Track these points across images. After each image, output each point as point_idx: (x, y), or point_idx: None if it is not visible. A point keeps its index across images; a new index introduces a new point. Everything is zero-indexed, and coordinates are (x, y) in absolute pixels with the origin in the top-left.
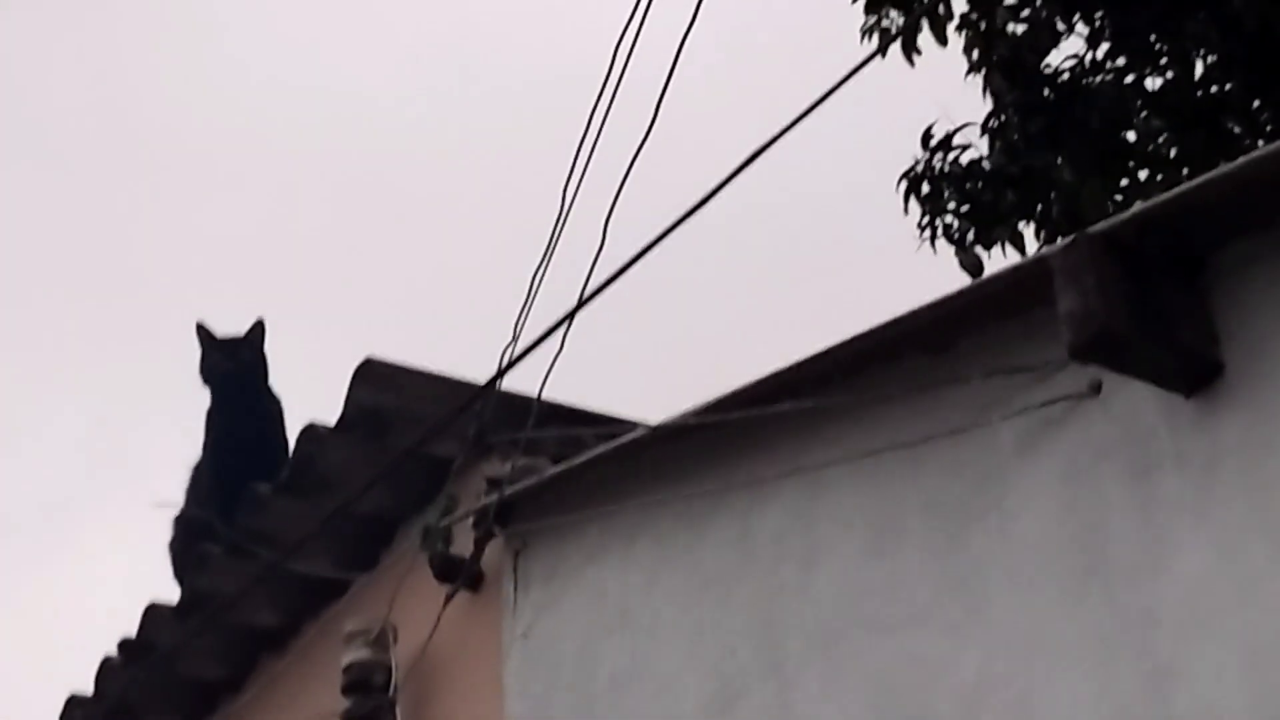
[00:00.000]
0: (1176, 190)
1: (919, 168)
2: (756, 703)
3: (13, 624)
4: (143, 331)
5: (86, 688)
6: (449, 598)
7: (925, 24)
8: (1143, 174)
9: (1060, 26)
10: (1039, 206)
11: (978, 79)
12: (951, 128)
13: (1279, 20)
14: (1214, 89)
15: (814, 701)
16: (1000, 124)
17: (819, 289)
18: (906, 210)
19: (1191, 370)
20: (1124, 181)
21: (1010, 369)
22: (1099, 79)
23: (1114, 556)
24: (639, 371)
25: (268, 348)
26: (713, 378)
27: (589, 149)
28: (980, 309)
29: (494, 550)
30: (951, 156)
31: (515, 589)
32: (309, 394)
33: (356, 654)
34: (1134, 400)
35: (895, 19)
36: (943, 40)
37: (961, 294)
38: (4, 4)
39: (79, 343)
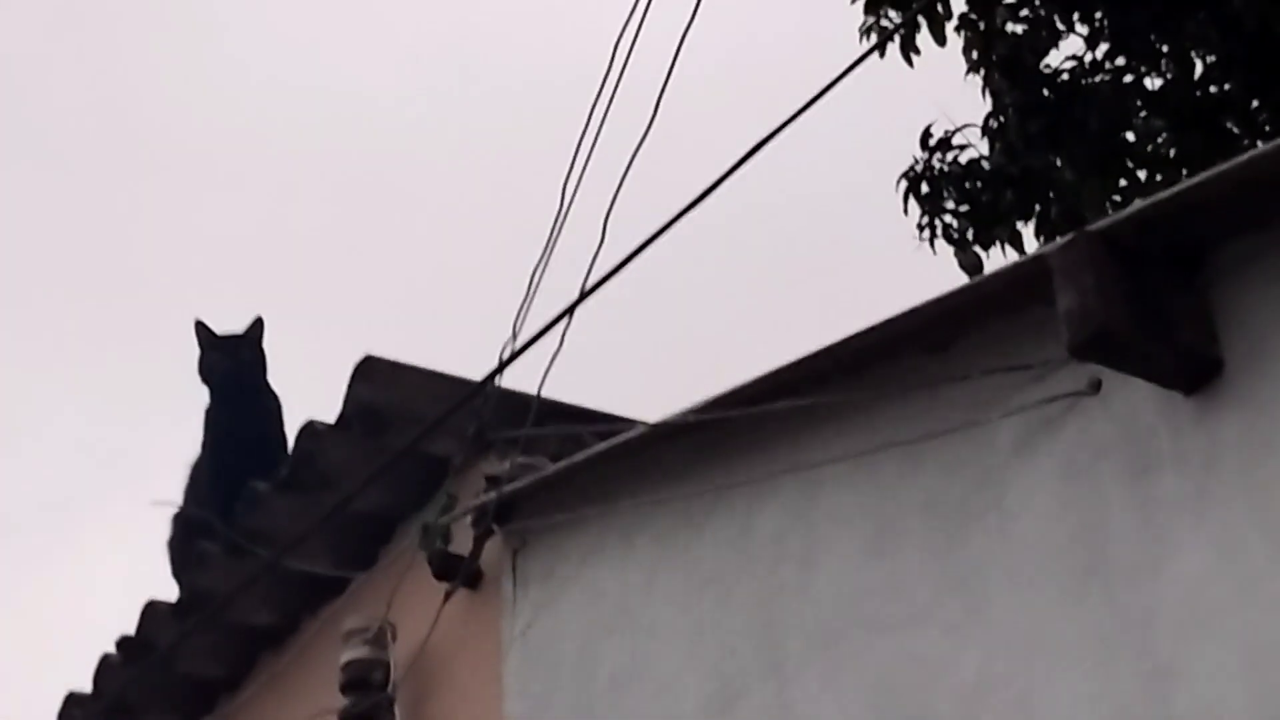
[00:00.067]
0: (1175, 189)
1: (918, 168)
2: (756, 702)
3: (12, 623)
4: (143, 331)
5: (85, 686)
6: (448, 596)
7: (924, 24)
8: (1142, 174)
9: (1060, 26)
10: (1038, 207)
11: (977, 79)
12: (951, 128)
13: (1278, 21)
14: (1213, 89)
15: (814, 701)
16: (1000, 124)
17: (818, 288)
18: (906, 210)
19: (1191, 368)
20: (1123, 182)
21: (1009, 367)
22: (1098, 79)
23: (1113, 555)
24: (638, 370)
25: (266, 345)
26: (712, 376)
27: (588, 147)
28: (979, 307)
29: (493, 548)
30: (951, 156)
31: (514, 587)
32: (308, 392)
33: (355, 652)
34: (1133, 399)
35: (894, 19)
36: (941, 40)
37: (960, 292)
38: (4, 4)
39: (79, 343)
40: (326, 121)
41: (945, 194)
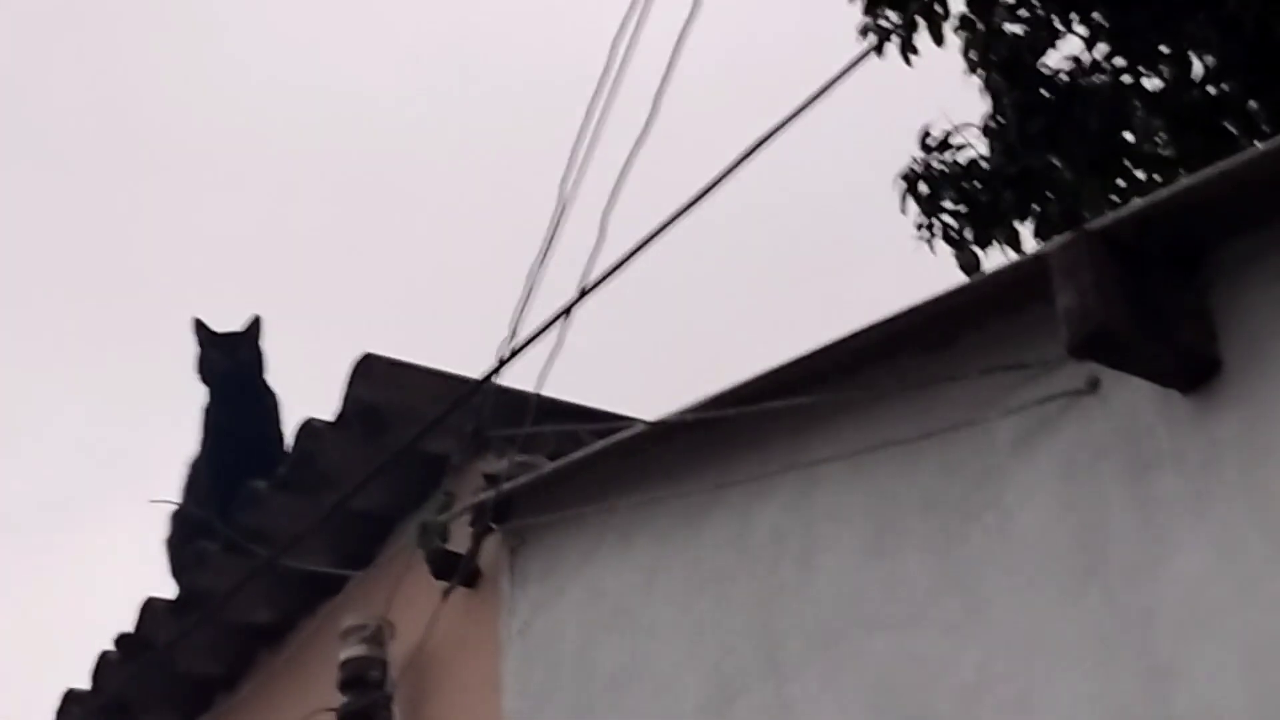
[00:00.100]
0: (1175, 187)
1: (917, 168)
2: (755, 701)
3: (11, 621)
4: (143, 332)
5: (84, 683)
6: (446, 594)
7: (922, 24)
8: (1141, 175)
9: (1058, 27)
10: (1037, 207)
11: (976, 79)
12: (949, 128)
13: (1277, 22)
14: (1212, 90)
15: (812, 700)
16: (998, 124)
17: (818, 288)
18: (904, 210)
19: (1189, 367)
20: (1122, 182)
21: (1008, 366)
22: (1097, 79)
23: (1112, 554)
24: (637, 368)
25: (265, 344)
26: (710, 375)
27: (587, 146)
28: (978, 306)
29: (491, 547)
30: (949, 156)
31: (512, 586)
32: (306, 390)
33: (353, 650)
34: (1132, 397)
35: (893, 19)
36: (939, 40)
37: (959, 291)
38: (4, 4)
39: (79, 343)
40: (326, 121)
41: (944, 194)
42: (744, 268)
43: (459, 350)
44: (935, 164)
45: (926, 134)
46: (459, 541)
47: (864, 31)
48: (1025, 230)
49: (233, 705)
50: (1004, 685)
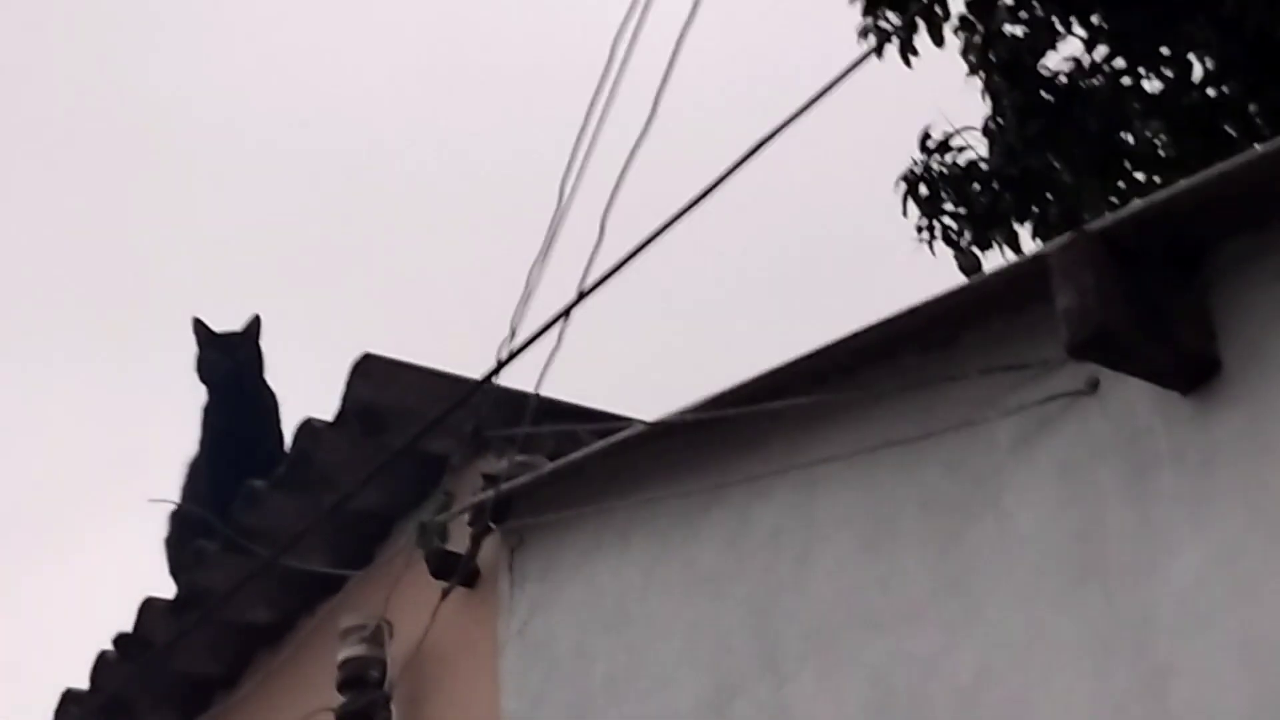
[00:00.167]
0: (1174, 189)
1: (917, 169)
2: (752, 700)
3: (10, 620)
4: (142, 331)
5: (83, 683)
6: (445, 594)
7: (922, 25)
8: (1140, 176)
9: (1058, 28)
10: (1036, 209)
11: (976, 80)
12: (949, 130)
13: (1277, 24)
14: (1212, 92)
15: (810, 699)
16: (999, 126)
17: (817, 289)
18: (905, 212)
19: (1189, 368)
20: (1122, 184)
21: (1007, 366)
22: (1097, 81)
23: (1111, 554)
24: (636, 369)
25: (264, 343)
26: (710, 375)
27: (587, 146)
28: (977, 306)
29: (490, 546)
30: (950, 158)
31: (511, 585)
32: (306, 390)
33: (352, 650)
34: (1131, 398)
35: (893, 20)
36: (939, 42)
37: (958, 291)
38: (4, 4)
39: (78, 342)
40: (326, 120)
41: (944, 196)
42: (744, 269)
43: (458, 350)
44: (935, 166)
45: (927, 136)
46: (458, 541)
47: (864, 33)
48: (1025, 232)
49: (231, 705)
50: (1002, 685)
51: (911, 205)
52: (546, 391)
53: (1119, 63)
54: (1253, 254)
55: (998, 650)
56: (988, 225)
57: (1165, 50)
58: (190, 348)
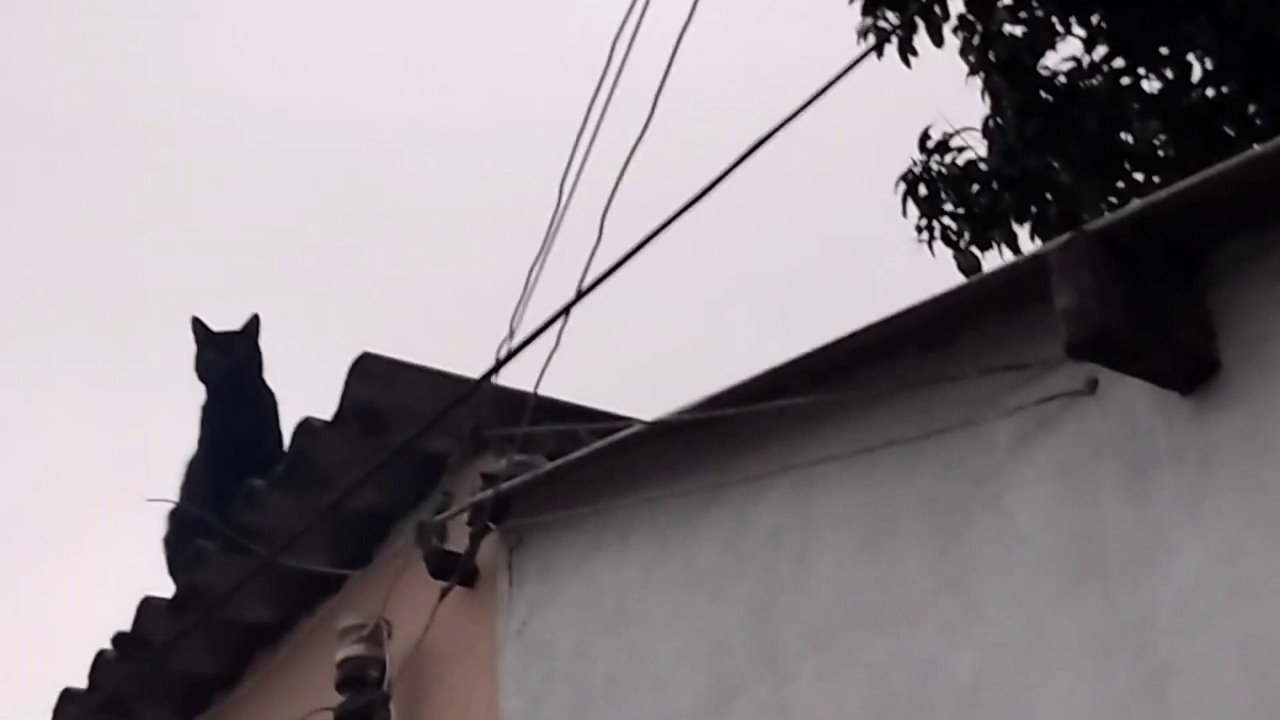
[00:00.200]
0: (1174, 188)
1: (916, 170)
2: (752, 700)
3: (8, 619)
4: (141, 330)
5: (81, 682)
6: (444, 594)
7: (922, 25)
8: (1139, 176)
9: (1058, 28)
10: (1036, 209)
11: (976, 81)
12: (949, 130)
13: (1277, 24)
14: (1211, 92)
15: (809, 699)
16: (998, 126)
17: (817, 289)
18: (905, 212)
19: (1188, 368)
20: (1121, 184)
21: (1006, 366)
22: (1096, 81)
23: (1110, 555)
24: (635, 368)
25: (263, 343)
26: (708, 375)
27: (586, 145)
28: (976, 306)
29: (489, 546)
30: (949, 158)
31: (510, 585)
32: (305, 389)
33: (351, 649)
34: (1130, 398)
35: (892, 20)
36: (938, 41)
37: (957, 291)
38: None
39: (77, 341)
40: (324, 119)
41: (943, 196)
42: (744, 269)
43: (457, 349)
44: (935, 166)
45: (926, 136)
46: (457, 541)
47: (864, 33)
48: (1024, 232)
49: (230, 704)
50: (1001, 685)
51: (911, 205)
52: (545, 391)
53: (1118, 63)
54: (1252, 254)
55: (997, 650)
56: (987, 225)
57: (1164, 50)
58: (189, 347)
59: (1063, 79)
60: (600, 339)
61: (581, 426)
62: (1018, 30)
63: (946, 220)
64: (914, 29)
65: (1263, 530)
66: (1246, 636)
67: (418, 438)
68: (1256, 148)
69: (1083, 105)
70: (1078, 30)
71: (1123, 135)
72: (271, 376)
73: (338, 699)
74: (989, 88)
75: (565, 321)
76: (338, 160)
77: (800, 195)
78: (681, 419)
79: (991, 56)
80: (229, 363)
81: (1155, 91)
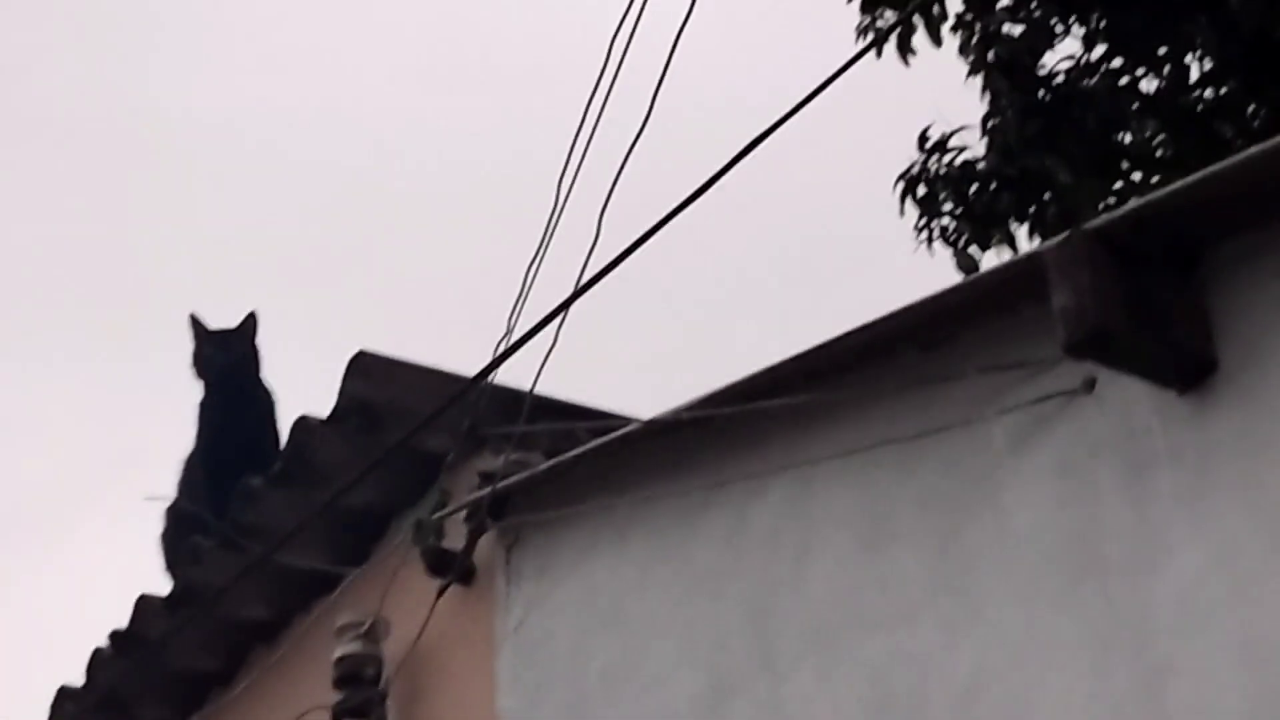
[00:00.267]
0: (1172, 188)
1: (915, 169)
2: (749, 698)
3: (5, 617)
4: (139, 327)
5: (78, 679)
6: (441, 592)
7: (921, 24)
8: (1137, 176)
9: (1056, 28)
10: (1035, 208)
11: (976, 81)
12: (947, 130)
13: (1276, 24)
14: (1210, 92)
15: (807, 697)
16: (997, 125)
17: (815, 287)
18: (903, 212)
19: (1186, 367)
20: (1119, 184)
21: (1004, 365)
22: (1095, 81)
23: (1108, 553)
24: (632, 366)
25: (261, 340)
26: (706, 373)
27: (584, 143)
28: (974, 305)
29: (486, 544)
30: (948, 158)
31: (507, 583)
32: (302, 386)
33: (348, 647)
34: (1128, 397)
35: (891, 19)
36: (937, 40)
37: (955, 290)
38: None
39: (75, 338)
40: (322, 118)
41: (942, 196)
42: (741, 266)
43: (454, 347)
44: (934, 166)
45: (925, 136)
46: (454, 539)
47: (862, 31)
48: (1023, 232)
49: (227, 702)
50: (999, 684)
51: (910, 205)
52: (543, 389)
53: (1117, 62)
54: (1250, 253)
55: (996, 649)
56: (986, 225)
57: (1163, 50)
58: (187, 345)
59: (1061, 79)
60: (598, 337)
61: (579, 425)
62: (1016, 30)
63: (945, 220)
64: (912, 28)
65: (1261, 528)
66: (1245, 635)
67: (415, 435)
68: (1255, 147)
69: (1082, 105)
70: (1077, 30)
71: (1121, 135)
72: (270, 374)
73: (335, 696)
74: (988, 87)
75: (563, 319)
76: (336, 159)
77: (799, 195)
78: (679, 417)
79: (990, 56)
80: (227, 360)
81: (1154, 91)
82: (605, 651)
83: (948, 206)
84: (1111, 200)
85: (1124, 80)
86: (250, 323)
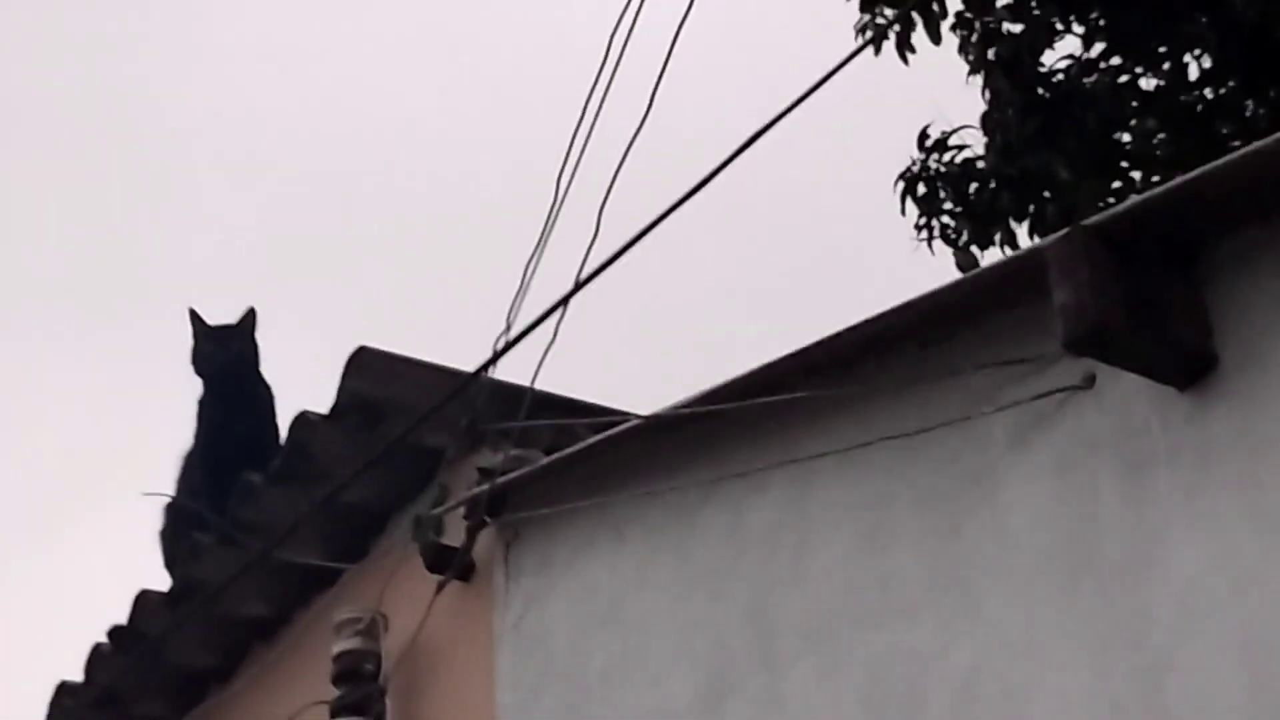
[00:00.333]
0: (1171, 184)
1: (915, 168)
2: (748, 695)
3: (3, 612)
4: (138, 324)
5: (77, 675)
6: (440, 588)
7: (920, 22)
8: (1137, 175)
9: (1056, 26)
10: (1035, 207)
11: (977, 79)
12: (947, 128)
13: (1276, 23)
14: (1209, 91)
15: (805, 694)
16: (997, 124)
17: (815, 284)
18: (904, 210)
19: (1186, 363)
20: (1118, 183)
21: (1003, 361)
22: (1095, 79)
23: (1107, 550)
24: (632, 362)
25: (260, 336)
26: (706, 369)
27: (583, 139)
28: (974, 301)
29: (485, 540)
30: (948, 157)
31: (506, 579)
32: (301, 382)
33: (347, 643)
34: (1128, 393)
35: (890, 17)
36: (937, 39)
37: (955, 286)
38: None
39: (75, 335)
40: (322, 116)
41: (942, 194)
42: (740, 263)
43: (454, 343)
44: (934, 164)
45: (925, 135)
46: (453, 535)
47: (862, 29)
48: (1023, 230)
49: (226, 698)
50: (998, 681)
51: (910, 204)
52: (542, 385)
53: (1117, 61)
54: (1250, 250)
55: (994, 646)
56: (986, 223)
57: (1163, 49)
58: (186, 341)
59: (1061, 77)
60: (597, 333)
61: (578, 421)
62: (1016, 28)
63: (945, 219)
64: (912, 26)
65: (1260, 526)
66: (1244, 632)
67: (414, 431)
68: (1254, 144)
69: (1082, 104)
70: (1076, 28)
71: (1121, 133)
72: (269, 370)
73: (334, 693)
74: (988, 86)
75: (562, 315)
76: (335, 156)
77: (799, 193)
78: (678, 414)
79: (990, 54)
80: (226, 356)
81: (1154, 90)
82: (604, 648)
83: (948, 205)
84: (1111, 199)
85: (1124, 79)
86: (249, 318)
